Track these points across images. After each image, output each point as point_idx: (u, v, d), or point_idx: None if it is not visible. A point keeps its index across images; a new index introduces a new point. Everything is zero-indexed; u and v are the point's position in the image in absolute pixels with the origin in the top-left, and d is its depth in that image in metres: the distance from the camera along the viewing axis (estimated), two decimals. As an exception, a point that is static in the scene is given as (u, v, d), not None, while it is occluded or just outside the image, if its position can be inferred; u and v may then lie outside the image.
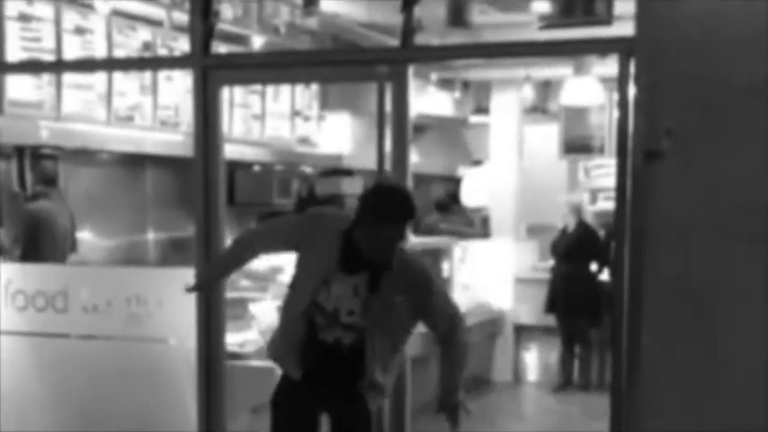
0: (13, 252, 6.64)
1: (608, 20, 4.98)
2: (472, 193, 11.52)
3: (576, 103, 9.65)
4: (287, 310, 4.25)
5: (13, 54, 6.45)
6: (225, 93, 5.37)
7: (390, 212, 3.97)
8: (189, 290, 4.52)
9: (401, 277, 4.06)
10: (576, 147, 10.09)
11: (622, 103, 4.48)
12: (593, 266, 9.22)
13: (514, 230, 10.17)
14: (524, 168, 10.28)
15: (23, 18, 6.56)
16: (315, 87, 9.64)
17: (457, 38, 6.22)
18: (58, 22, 6.78)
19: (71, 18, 6.91)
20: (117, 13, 7.32)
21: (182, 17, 6.57)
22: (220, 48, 5.21)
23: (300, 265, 4.20)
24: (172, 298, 5.34)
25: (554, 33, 5.15)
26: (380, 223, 3.94)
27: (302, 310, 4.09)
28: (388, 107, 4.92)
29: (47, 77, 6.73)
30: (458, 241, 9.17)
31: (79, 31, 6.97)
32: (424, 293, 4.11)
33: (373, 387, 4.11)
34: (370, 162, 5.31)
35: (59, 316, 5.55)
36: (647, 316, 4.29)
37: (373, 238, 3.98)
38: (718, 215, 4.19)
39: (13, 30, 6.45)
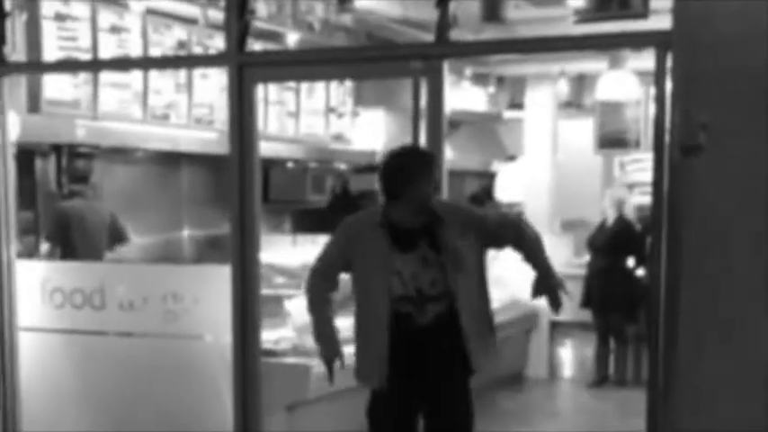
0: (48, 250, 6.72)
1: (644, 13, 4.94)
2: (507, 189, 11.48)
3: (611, 97, 9.58)
4: (366, 323, 4.35)
5: (50, 53, 6.52)
6: (259, 90, 5.38)
7: (404, 168, 4.24)
8: (331, 380, 4.54)
9: (452, 222, 4.27)
10: (612, 141, 10.03)
11: (659, 98, 4.45)
12: (630, 261, 9.15)
13: (549, 226, 10.10)
14: (559, 163, 10.22)
15: (60, 17, 6.62)
16: (349, 84, 9.65)
17: (491, 33, 6.19)
18: (94, 21, 6.84)
19: (107, 17, 6.97)
20: (152, 11, 7.37)
21: (217, 15, 6.59)
22: (255, 45, 5.22)
23: (360, 272, 4.32)
24: (207, 295, 5.38)
25: (589, 27, 5.11)
26: (405, 183, 4.19)
27: (386, 312, 4.21)
28: (423, 103, 4.92)
29: (83, 76, 6.79)
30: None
31: (115, 29, 7.03)
32: (478, 220, 4.42)
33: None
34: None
35: (96, 313, 5.59)
36: (684, 312, 4.26)
37: (407, 199, 4.20)
38: (754, 209, 4.15)
39: (49, 29, 6.51)
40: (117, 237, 7.13)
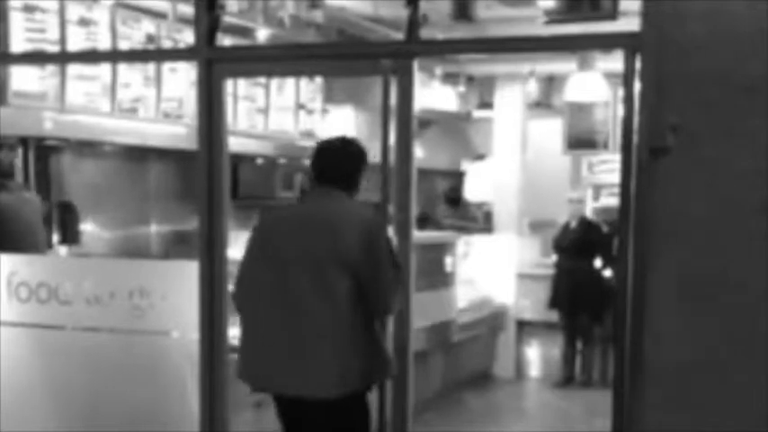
0: None
1: (613, 15, 4.98)
2: (475, 188, 11.52)
3: (580, 98, 9.64)
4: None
5: (18, 45, 6.44)
6: (229, 85, 5.35)
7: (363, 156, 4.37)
8: None
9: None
10: (580, 142, 10.09)
11: (628, 99, 4.47)
12: (597, 262, 9.21)
13: (517, 226, 10.15)
14: (528, 163, 10.26)
15: (28, 9, 6.55)
16: (319, 81, 9.64)
17: (462, 32, 6.21)
18: (62, 13, 6.78)
19: (75, 9, 6.91)
20: (121, 4, 7.31)
21: (186, 9, 6.55)
22: (225, 40, 5.19)
23: None
24: (175, 291, 5.33)
25: (559, 28, 5.13)
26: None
27: None
28: (393, 101, 4.91)
29: (51, 69, 6.72)
30: (461, 236, 9.18)
31: (83, 22, 6.97)
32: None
33: None
34: (373, 155, 5.30)
35: (62, 308, 5.53)
36: (650, 313, 4.29)
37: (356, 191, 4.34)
38: (722, 212, 4.19)
39: (17, 21, 6.44)
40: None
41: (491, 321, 9.58)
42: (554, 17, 5.18)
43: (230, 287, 4.65)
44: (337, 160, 4.31)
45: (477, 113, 11.29)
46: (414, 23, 4.79)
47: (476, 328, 9.15)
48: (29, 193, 6.85)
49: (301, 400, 4.12)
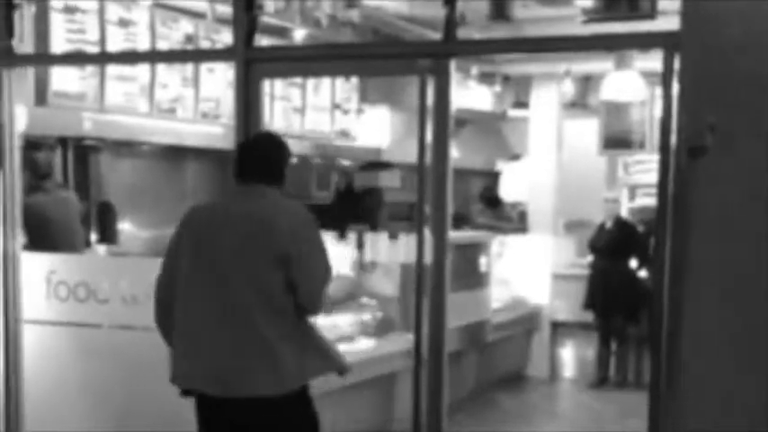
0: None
1: (652, 14, 4.94)
2: (510, 188, 11.50)
3: (616, 97, 9.57)
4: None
5: (58, 46, 6.52)
6: (265, 85, 5.36)
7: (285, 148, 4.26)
8: None
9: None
10: (616, 142, 10.02)
11: (666, 99, 4.44)
12: (633, 263, 9.16)
13: (552, 226, 10.11)
14: (563, 163, 10.22)
15: (68, 10, 6.63)
16: (354, 80, 9.66)
17: (498, 32, 6.18)
18: (102, 14, 6.85)
19: (115, 10, 6.99)
20: (160, 5, 7.37)
21: (224, 9, 6.58)
22: (262, 40, 5.20)
23: None
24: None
25: (596, 27, 5.10)
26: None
27: None
28: (429, 101, 4.91)
29: (90, 69, 6.80)
30: (495, 236, 9.16)
31: (123, 22, 7.04)
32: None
33: None
34: (408, 155, 5.30)
35: (100, 306, 5.56)
36: (688, 313, 4.26)
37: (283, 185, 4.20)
38: (760, 212, 4.15)
39: (58, 21, 6.52)
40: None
41: (525, 322, 9.56)
42: (592, 16, 5.15)
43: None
44: (262, 155, 4.18)
45: (513, 113, 11.25)
46: (451, 23, 4.78)
47: (510, 329, 9.14)
48: (66, 192, 6.90)
49: (236, 402, 3.95)
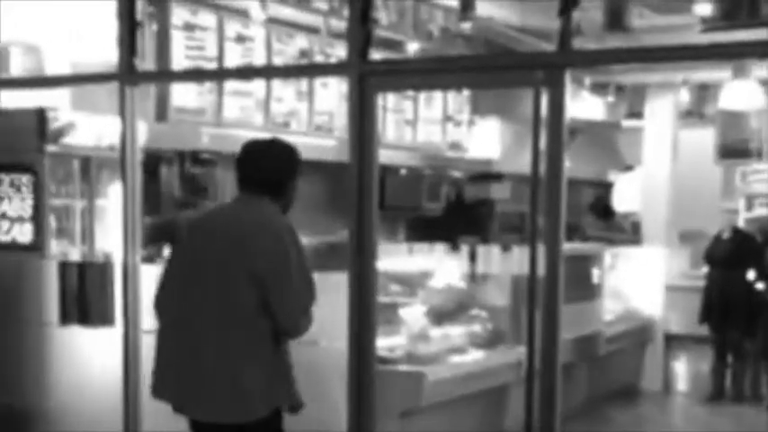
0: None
1: (773, 22, 4.83)
2: (623, 199, 11.35)
3: (734, 106, 9.39)
4: None
5: (178, 62, 6.70)
6: (378, 98, 5.39)
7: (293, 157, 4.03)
8: None
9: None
10: (733, 151, 9.84)
11: (789, 108, 4.34)
12: (750, 274, 8.94)
13: (666, 237, 9.95)
14: (678, 173, 10.05)
15: (188, 27, 6.79)
16: (466, 92, 9.66)
17: (613, 41, 6.11)
18: (220, 31, 7.01)
19: (232, 26, 7.13)
20: (275, 20, 7.49)
21: (338, 24, 6.68)
22: (375, 54, 5.23)
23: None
24: (324, 301, 5.37)
25: (715, 36, 5.01)
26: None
27: None
28: (543, 112, 4.88)
29: (208, 84, 6.95)
30: (608, 247, 9.05)
31: (240, 39, 7.18)
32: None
33: None
34: (518, 167, 5.28)
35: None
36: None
37: (288, 196, 3.99)
38: None
39: (178, 39, 6.69)
40: None
41: (638, 334, 9.42)
42: (711, 25, 5.07)
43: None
44: (260, 164, 3.92)
45: (627, 123, 11.11)
46: (566, 34, 4.73)
47: (622, 341, 9.00)
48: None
49: (205, 425, 3.83)
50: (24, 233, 6.24)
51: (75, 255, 6.33)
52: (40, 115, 6.00)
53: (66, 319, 5.85)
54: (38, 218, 6.20)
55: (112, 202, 6.40)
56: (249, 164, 3.94)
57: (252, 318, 3.73)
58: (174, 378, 3.87)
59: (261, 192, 3.86)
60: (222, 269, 3.76)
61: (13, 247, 6.26)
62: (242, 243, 3.75)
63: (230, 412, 3.73)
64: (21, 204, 6.20)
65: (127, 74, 5.61)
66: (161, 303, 3.98)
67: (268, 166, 3.92)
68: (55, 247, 6.35)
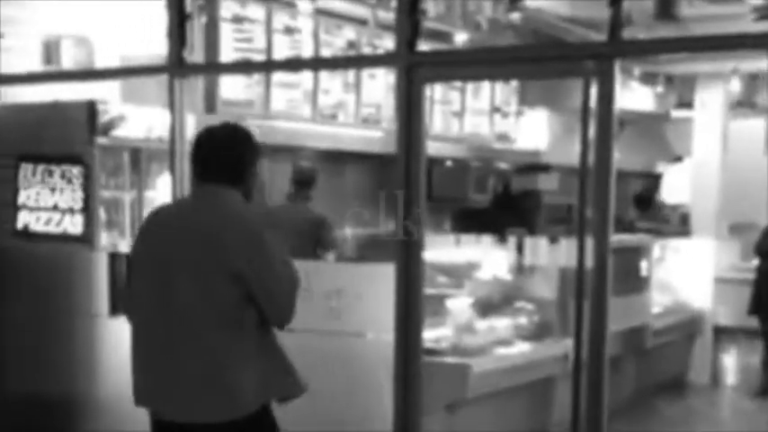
0: None
1: (829, 9, 4.75)
2: (672, 190, 11.26)
3: (787, 96, 9.27)
4: None
5: (227, 55, 6.74)
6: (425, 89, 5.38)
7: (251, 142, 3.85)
8: None
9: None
10: (785, 142, 9.70)
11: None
12: (802, 267, 8.84)
13: (716, 228, 9.84)
14: (728, 164, 9.93)
15: (237, 20, 6.83)
16: (514, 83, 9.62)
17: (663, 31, 6.04)
18: (268, 23, 7.04)
19: (281, 18, 7.16)
20: (323, 12, 7.51)
21: (386, 15, 6.67)
22: (422, 45, 5.22)
23: None
24: (370, 293, 5.39)
25: (767, 25, 4.94)
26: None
27: None
28: (592, 103, 4.85)
29: (256, 77, 6.98)
30: (656, 239, 8.98)
31: (288, 30, 7.21)
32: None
33: None
34: (566, 158, 5.25)
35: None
36: None
37: (248, 186, 3.77)
38: None
39: (227, 31, 6.73)
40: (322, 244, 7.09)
41: (687, 327, 9.33)
42: (763, 13, 4.99)
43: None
44: (219, 152, 3.71)
45: (676, 113, 11.01)
46: (616, 23, 4.70)
47: (671, 334, 8.93)
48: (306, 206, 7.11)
49: (191, 427, 3.65)
50: (75, 225, 6.31)
51: (124, 246, 6.37)
52: (91, 108, 6.06)
53: (115, 310, 5.91)
54: (88, 209, 6.26)
55: (161, 193, 6.45)
56: (207, 152, 3.73)
57: (233, 313, 3.58)
58: (153, 382, 3.72)
59: (220, 181, 3.67)
60: (196, 267, 3.58)
61: (63, 238, 6.34)
62: (214, 239, 3.57)
63: (217, 411, 3.58)
64: (72, 196, 6.27)
65: (176, 66, 5.64)
66: (128, 304, 3.87)
67: (227, 153, 3.71)
68: (105, 238, 6.43)
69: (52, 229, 6.33)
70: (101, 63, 6.66)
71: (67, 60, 6.67)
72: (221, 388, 3.57)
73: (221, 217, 3.62)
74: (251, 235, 3.58)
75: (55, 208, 6.31)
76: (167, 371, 3.64)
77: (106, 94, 6.31)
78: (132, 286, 3.80)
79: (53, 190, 6.31)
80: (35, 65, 6.54)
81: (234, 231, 3.57)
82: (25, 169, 6.31)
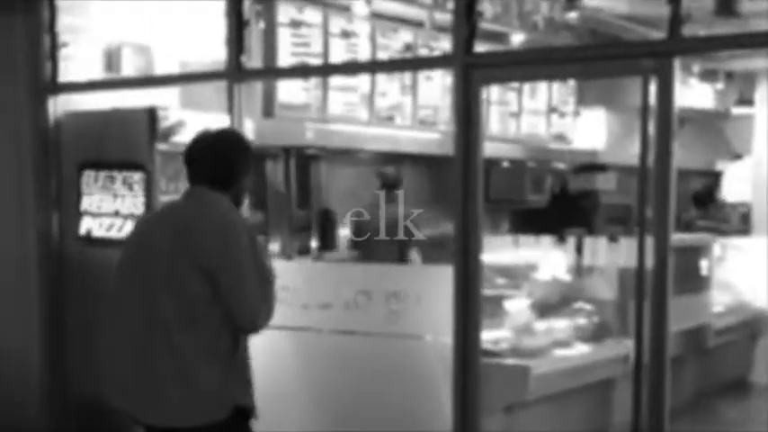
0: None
1: None
2: (733, 189, 11.10)
3: None
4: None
5: (285, 59, 6.79)
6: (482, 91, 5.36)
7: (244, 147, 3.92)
8: None
9: None
10: None
11: None
12: None
13: (776, 227, 9.69)
14: (791, 162, 9.79)
15: (294, 24, 6.90)
16: (571, 83, 9.56)
17: (723, 27, 5.96)
18: (325, 27, 7.09)
19: (337, 22, 7.21)
20: (379, 15, 7.53)
21: (443, 17, 6.67)
22: (479, 46, 5.22)
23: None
24: (429, 295, 5.38)
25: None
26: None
27: None
28: (651, 101, 4.80)
29: (314, 80, 7.05)
30: (716, 238, 8.86)
31: (345, 34, 7.26)
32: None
33: None
34: (623, 157, 5.20)
35: (323, 312, 5.67)
36: None
37: (239, 190, 3.85)
38: None
39: (284, 36, 6.79)
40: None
41: (749, 327, 9.18)
42: (827, 8, 4.89)
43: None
44: (210, 157, 3.79)
45: (736, 111, 10.86)
46: (675, 21, 4.65)
47: (732, 334, 8.80)
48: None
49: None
50: (136, 231, 6.37)
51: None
52: (151, 114, 6.11)
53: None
54: (149, 215, 6.33)
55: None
56: (196, 155, 3.82)
57: (204, 312, 3.60)
58: (124, 381, 3.75)
59: (210, 185, 3.74)
60: (168, 268, 3.62)
61: (125, 244, 6.41)
62: (187, 241, 3.63)
63: (186, 416, 3.61)
64: (133, 202, 6.32)
65: (235, 72, 5.68)
66: (113, 305, 3.88)
67: (216, 157, 3.79)
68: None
69: (114, 234, 6.41)
70: (160, 70, 6.74)
71: (128, 68, 6.76)
72: (189, 391, 3.58)
73: (197, 214, 3.69)
74: (224, 232, 3.62)
75: (116, 214, 6.38)
76: (138, 371, 3.67)
77: (166, 101, 6.38)
78: (116, 283, 3.84)
79: (115, 196, 6.37)
80: (96, 73, 6.63)
81: (206, 228, 3.63)
82: (88, 176, 6.38)
